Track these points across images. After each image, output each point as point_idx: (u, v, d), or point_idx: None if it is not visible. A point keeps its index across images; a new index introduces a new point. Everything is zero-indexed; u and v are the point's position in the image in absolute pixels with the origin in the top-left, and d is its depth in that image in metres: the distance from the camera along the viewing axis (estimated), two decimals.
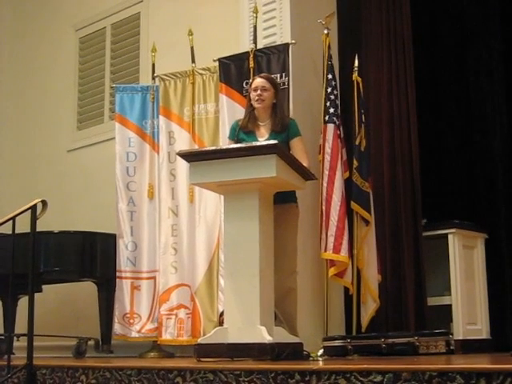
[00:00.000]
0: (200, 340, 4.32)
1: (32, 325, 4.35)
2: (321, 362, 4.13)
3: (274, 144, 4.19)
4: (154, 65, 6.27)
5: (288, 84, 5.42)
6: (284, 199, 4.67)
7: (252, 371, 3.42)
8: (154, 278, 5.94)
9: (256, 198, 4.23)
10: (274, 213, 4.47)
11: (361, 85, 5.60)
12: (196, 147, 5.77)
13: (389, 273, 5.63)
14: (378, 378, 3.02)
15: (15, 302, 6.37)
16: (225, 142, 5.35)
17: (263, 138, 4.74)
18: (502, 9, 6.62)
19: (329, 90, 5.48)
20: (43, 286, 6.24)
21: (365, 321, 5.34)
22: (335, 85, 5.54)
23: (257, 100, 4.79)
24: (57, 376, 4.28)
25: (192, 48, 6.04)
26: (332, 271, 5.21)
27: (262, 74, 5.00)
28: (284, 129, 4.79)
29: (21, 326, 5.60)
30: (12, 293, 5.20)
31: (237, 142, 4.71)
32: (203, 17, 6.56)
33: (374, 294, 5.34)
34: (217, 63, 5.80)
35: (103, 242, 6.13)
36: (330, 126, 5.39)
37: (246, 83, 5.49)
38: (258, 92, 4.79)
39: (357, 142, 5.44)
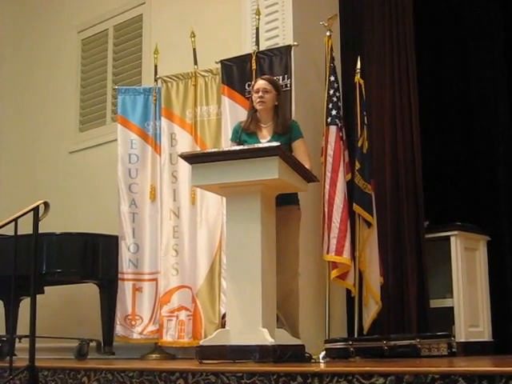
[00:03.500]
0: (202, 342, 4.32)
1: (34, 326, 4.35)
2: (323, 365, 4.14)
3: (277, 146, 4.19)
4: (156, 66, 6.27)
5: (290, 86, 5.42)
6: (286, 201, 4.67)
7: (254, 373, 3.42)
8: (155, 279, 5.93)
9: (258, 199, 4.24)
10: (275, 215, 4.47)
11: (363, 87, 5.58)
12: (198, 149, 5.76)
13: (391, 275, 5.62)
14: (380, 381, 3.02)
15: (17, 303, 6.37)
16: (227, 144, 5.35)
17: (265, 140, 4.74)
18: (504, 9, 6.63)
19: (331, 91, 5.47)
20: (45, 288, 6.25)
21: (367, 323, 5.33)
22: (337, 87, 5.54)
23: (258, 102, 4.80)
24: (59, 378, 4.28)
25: (194, 50, 6.04)
26: (334, 273, 5.21)
27: (264, 76, 5.00)
28: (286, 131, 4.79)
29: (23, 327, 5.61)
30: (14, 294, 5.20)
31: (239, 144, 4.71)
32: (205, 19, 6.56)
33: (376, 296, 5.33)
34: (219, 65, 5.79)
35: (105, 243, 6.12)
36: (333, 128, 5.39)
37: (249, 85, 5.49)
38: (260, 94, 4.80)
39: (359, 144, 5.43)
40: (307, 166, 4.59)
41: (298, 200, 4.87)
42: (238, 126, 4.91)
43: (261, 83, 4.85)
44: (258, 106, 4.82)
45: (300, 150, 4.78)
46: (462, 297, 5.65)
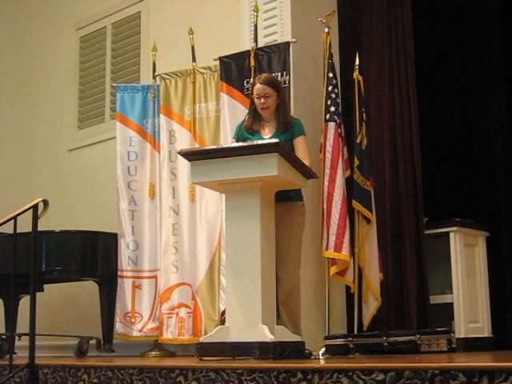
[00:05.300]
0: (202, 339, 4.32)
1: (34, 324, 4.35)
2: (323, 361, 4.14)
3: (276, 142, 4.19)
4: (154, 64, 6.27)
5: (289, 83, 5.41)
6: (289, 197, 4.68)
7: (254, 370, 3.41)
8: (155, 277, 5.93)
9: (257, 196, 4.24)
10: (278, 211, 4.49)
11: (362, 83, 5.58)
12: (197, 146, 5.76)
13: (390, 271, 5.62)
14: (381, 377, 3.02)
15: (17, 301, 6.37)
16: (226, 141, 5.36)
17: (267, 137, 4.73)
18: (503, 12, 6.63)
19: (330, 88, 5.47)
20: (45, 286, 6.25)
21: (366, 319, 5.34)
22: (336, 83, 5.53)
23: (262, 108, 4.78)
24: (59, 375, 4.28)
25: (193, 47, 6.04)
26: (333, 270, 5.21)
27: (263, 78, 4.85)
28: (288, 128, 4.78)
29: (22, 325, 5.60)
30: (14, 292, 5.19)
31: (241, 141, 4.70)
32: (204, 15, 6.56)
33: (375, 293, 5.33)
34: (217, 62, 5.79)
35: (104, 241, 6.12)
36: (331, 125, 5.38)
37: (247, 82, 5.49)
38: (262, 100, 4.75)
39: (358, 141, 5.44)
40: (307, 163, 4.58)
41: (302, 196, 4.86)
42: (241, 123, 4.90)
43: (261, 88, 4.76)
44: (261, 112, 4.80)
45: (301, 147, 4.77)
46: (461, 293, 5.66)
